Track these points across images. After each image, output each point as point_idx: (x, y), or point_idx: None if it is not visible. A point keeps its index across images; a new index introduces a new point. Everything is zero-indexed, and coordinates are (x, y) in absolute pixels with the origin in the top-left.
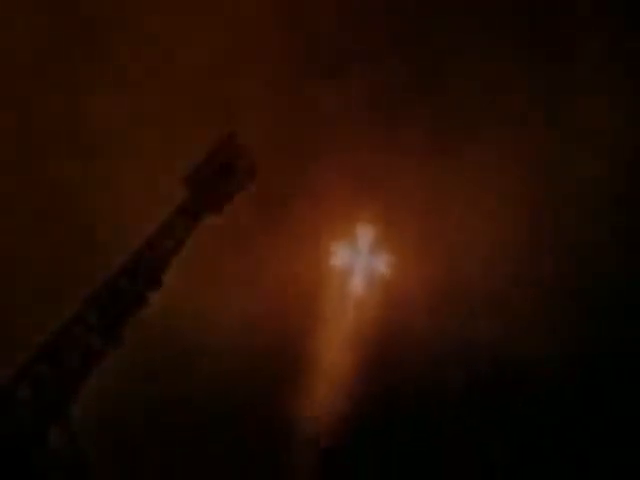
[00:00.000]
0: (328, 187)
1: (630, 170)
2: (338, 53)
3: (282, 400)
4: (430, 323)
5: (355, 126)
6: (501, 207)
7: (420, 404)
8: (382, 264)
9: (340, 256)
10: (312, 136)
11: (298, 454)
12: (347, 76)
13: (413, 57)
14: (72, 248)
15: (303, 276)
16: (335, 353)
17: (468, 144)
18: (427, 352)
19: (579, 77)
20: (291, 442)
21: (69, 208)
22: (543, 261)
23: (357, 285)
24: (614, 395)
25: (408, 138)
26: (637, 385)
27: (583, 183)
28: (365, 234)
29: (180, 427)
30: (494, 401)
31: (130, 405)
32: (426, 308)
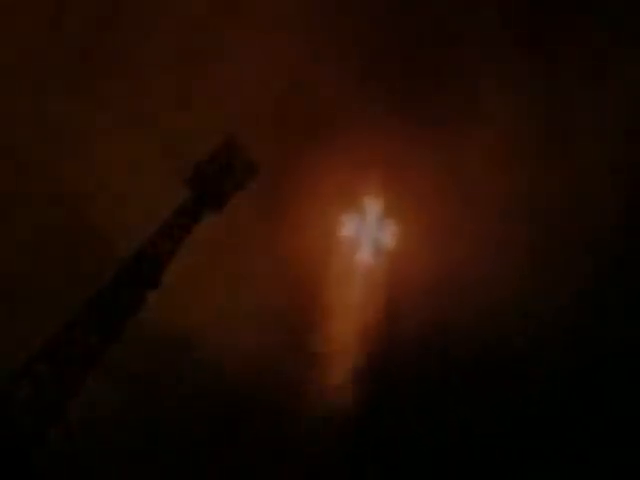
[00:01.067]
0: (336, 162)
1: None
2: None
3: (292, 368)
4: (434, 288)
5: (362, 101)
6: (507, 181)
7: (425, 365)
8: (388, 234)
9: (348, 227)
10: (319, 113)
11: (305, 420)
12: (348, 53)
13: (413, 25)
14: (72, 248)
15: (313, 246)
16: (344, 318)
17: (474, 117)
18: (431, 315)
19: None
20: (297, 409)
21: (69, 209)
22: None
23: (365, 254)
24: (612, 376)
25: (415, 112)
26: (636, 373)
27: (590, 168)
28: (372, 206)
29: (188, 407)
30: (497, 361)
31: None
32: (430, 274)
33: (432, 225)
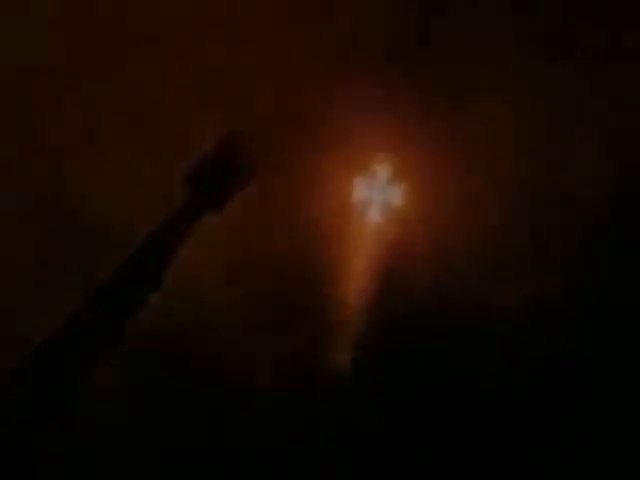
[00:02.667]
0: (348, 128)
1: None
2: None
3: (301, 326)
4: (440, 246)
5: (372, 70)
6: (517, 144)
7: (432, 324)
8: (397, 197)
9: (360, 190)
10: (326, 78)
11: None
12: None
13: None
14: (72, 248)
15: (325, 208)
16: (354, 276)
17: (487, 84)
18: (438, 272)
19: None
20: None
21: (69, 206)
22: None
23: (375, 215)
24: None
25: (427, 80)
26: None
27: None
28: (382, 169)
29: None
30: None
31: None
32: (436, 234)
33: (440, 188)
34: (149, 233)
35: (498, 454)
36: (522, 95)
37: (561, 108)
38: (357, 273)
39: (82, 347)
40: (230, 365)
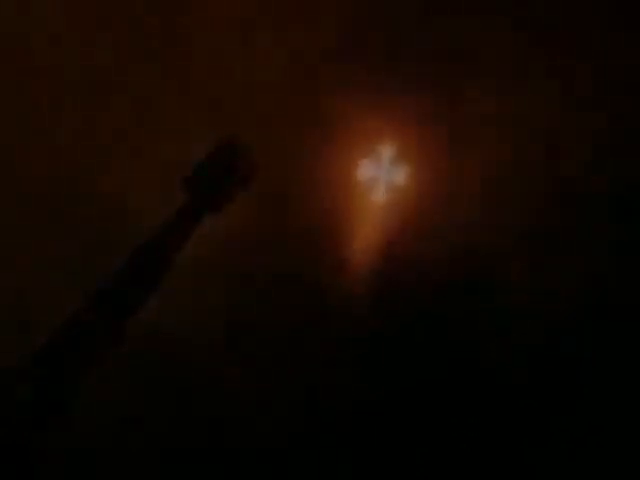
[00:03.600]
0: (353, 111)
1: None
2: None
3: (309, 303)
4: (440, 223)
5: (376, 53)
6: (518, 127)
7: (435, 300)
8: (401, 177)
9: (365, 171)
10: (332, 66)
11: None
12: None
13: None
14: (72, 247)
15: (332, 187)
16: (359, 252)
17: (489, 68)
18: (442, 247)
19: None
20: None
21: (68, 206)
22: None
23: (379, 194)
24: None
25: (430, 64)
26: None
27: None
28: (386, 150)
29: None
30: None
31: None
32: (438, 212)
33: (442, 168)
34: (150, 234)
35: (498, 432)
36: (524, 78)
37: (563, 92)
38: (363, 249)
39: (82, 347)
40: (232, 348)
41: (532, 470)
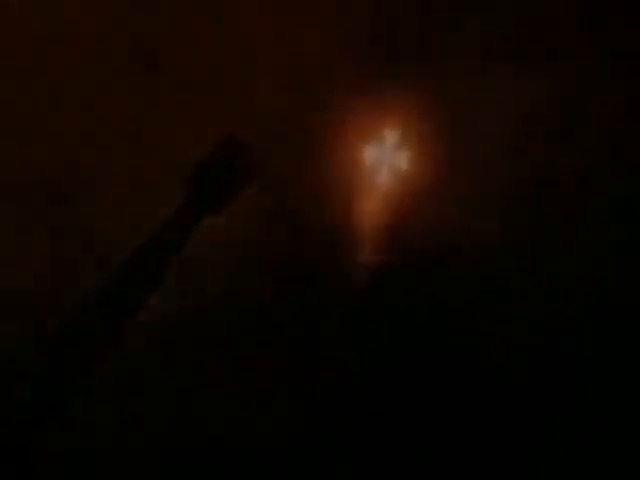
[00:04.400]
0: (358, 98)
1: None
2: None
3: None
4: (442, 205)
5: (380, 41)
6: (520, 112)
7: (438, 280)
8: (404, 161)
9: (369, 155)
10: (337, 52)
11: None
12: None
13: None
14: (71, 247)
15: (338, 170)
16: (364, 232)
17: (491, 54)
18: (437, 226)
19: None
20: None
21: (68, 207)
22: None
23: (383, 177)
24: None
25: (434, 51)
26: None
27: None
28: (391, 135)
29: None
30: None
31: None
32: (439, 195)
33: (443, 154)
34: (150, 234)
35: (497, 427)
36: (526, 64)
37: (564, 76)
38: (368, 229)
39: (82, 347)
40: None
41: (532, 470)
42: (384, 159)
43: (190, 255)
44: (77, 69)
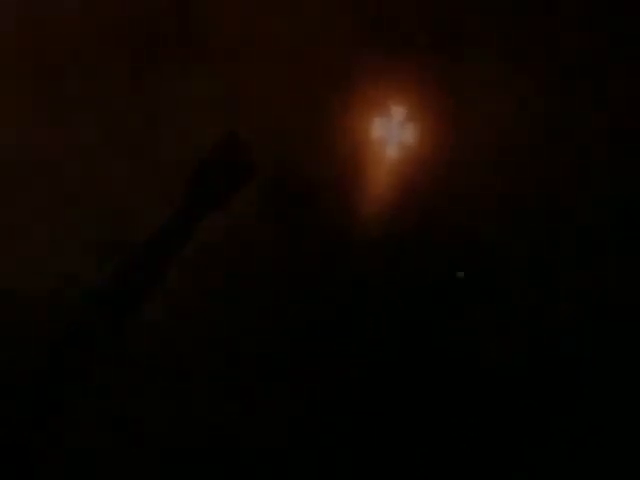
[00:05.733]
0: (366, 74)
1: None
2: None
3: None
4: (445, 176)
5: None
6: (521, 89)
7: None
8: (411, 135)
9: (377, 129)
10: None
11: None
12: None
13: None
14: (71, 247)
15: (346, 145)
16: (371, 204)
17: (487, 30)
18: (445, 202)
19: None
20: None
21: (69, 206)
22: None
23: (390, 151)
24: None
25: (439, 28)
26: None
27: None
28: (397, 111)
29: None
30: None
31: None
32: (443, 167)
33: (449, 128)
34: (150, 234)
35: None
36: (527, 44)
37: (566, 56)
38: (375, 201)
39: (82, 347)
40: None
41: (531, 469)
42: (392, 135)
43: (190, 255)
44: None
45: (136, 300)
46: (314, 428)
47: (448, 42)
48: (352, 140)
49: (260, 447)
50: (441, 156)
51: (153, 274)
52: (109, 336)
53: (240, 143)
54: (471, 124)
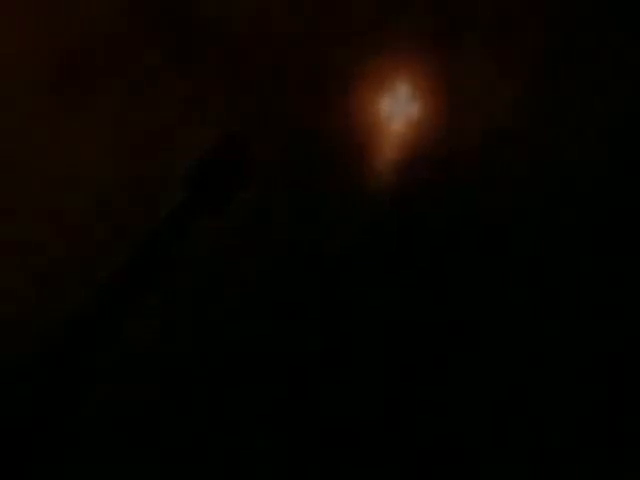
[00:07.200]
0: (373, 51)
1: None
2: None
3: None
4: (449, 150)
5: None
6: (522, 67)
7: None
8: (417, 111)
9: (384, 105)
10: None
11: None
12: None
13: None
14: (71, 247)
15: (355, 120)
16: (380, 173)
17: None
18: (443, 166)
19: None
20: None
21: (68, 206)
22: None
23: (397, 126)
24: None
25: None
26: None
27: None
28: (404, 87)
29: None
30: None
31: None
32: (448, 143)
33: (453, 105)
34: (150, 233)
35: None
36: (528, 21)
37: (565, 25)
38: (382, 170)
39: (82, 347)
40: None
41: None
42: (399, 109)
43: (190, 255)
44: None
45: (136, 300)
46: (314, 428)
47: (449, 28)
48: (362, 114)
49: (260, 447)
50: (442, 124)
51: (153, 274)
52: (109, 337)
53: (240, 144)
54: (470, 94)
